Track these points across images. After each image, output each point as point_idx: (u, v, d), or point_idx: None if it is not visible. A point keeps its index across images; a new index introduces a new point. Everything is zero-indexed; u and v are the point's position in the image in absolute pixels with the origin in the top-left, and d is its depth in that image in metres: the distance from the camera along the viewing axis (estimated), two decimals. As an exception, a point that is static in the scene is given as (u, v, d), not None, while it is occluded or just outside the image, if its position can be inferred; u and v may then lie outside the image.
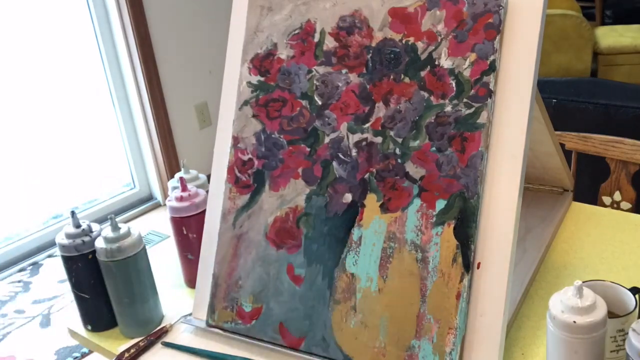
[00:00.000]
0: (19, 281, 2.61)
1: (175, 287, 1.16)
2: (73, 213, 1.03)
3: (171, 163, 3.00)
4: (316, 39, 0.96)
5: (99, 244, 0.99)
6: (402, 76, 0.90)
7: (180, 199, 1.09)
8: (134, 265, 1.00)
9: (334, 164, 0.93)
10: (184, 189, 1.10)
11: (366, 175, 0.92)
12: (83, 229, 1.02)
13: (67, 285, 1.04)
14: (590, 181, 1.60)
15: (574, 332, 0.76)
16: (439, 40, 0.88)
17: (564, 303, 0.77)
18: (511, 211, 0.84)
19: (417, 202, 0.88)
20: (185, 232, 1.09)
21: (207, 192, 1.09)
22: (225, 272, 0.99)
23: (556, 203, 1.27)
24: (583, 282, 0.80)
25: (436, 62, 0.88)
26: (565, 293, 0.79)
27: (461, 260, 0.85)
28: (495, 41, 0.85)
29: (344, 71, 0.94)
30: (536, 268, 1.09)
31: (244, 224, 0.99)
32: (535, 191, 1.32)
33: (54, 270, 2.66)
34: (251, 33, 1.00)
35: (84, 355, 2.15)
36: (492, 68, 0.85)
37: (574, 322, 0.76)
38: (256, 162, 0.99)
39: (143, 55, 2.79)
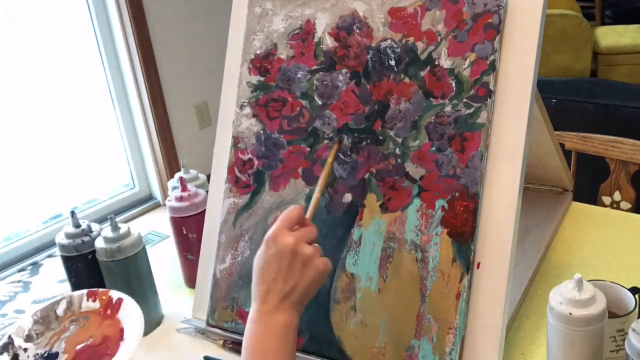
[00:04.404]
0: (19, 281, 2.61)
1: (175, 287, 1.16)
2: (73, 213, 1.03)
3: (171, 163, 2.99)
4: (316, 39, 0.96)
5: (99, 244, 0.99)
6: (402, 76, 0.90)
7: (180, 199, 1.09)
8: (134, 265, 1.00)
9: (334, 164, 0.93)
10: (184, 189, 1.10)
11: (366, 175, 0.92)
12: (83, 229, 1.02)
13: (67, 285, 1.05)
14: (590, 181, 1.60)
15: (570, 324, 0.77)
16: (439, 40, 0.88)
17: (563, 295, 0.79)
18: (511, 211, 0.84)
19: (417, 202, 0.88)
20: (185, 232, 1.09)
21: (207, 192, 1.09)
22: (225, 272, 0.99)
23: (556, 203, 1.27)
24: (583, 282, 0.80)
25: (436, 62, 0.88)
26: (565, 286, 0.80)
27: (461, 260, 0.85)
28: (495, 41, 0.85)
29: (344, 71, 0.93)
30: (536, 268, 1.08)
31: (244, 224, 0.99)
32: (535, 191, 1.32)
33: (54, 270, 2.65)
34: (251, 33, 1.00)
35: (84, 355, 2.15)
36: (492, 68, 0.85)
37: (570, 313, 0.77)
38: (256, 162, 0.99)
39: (143, 55, 2.79)
